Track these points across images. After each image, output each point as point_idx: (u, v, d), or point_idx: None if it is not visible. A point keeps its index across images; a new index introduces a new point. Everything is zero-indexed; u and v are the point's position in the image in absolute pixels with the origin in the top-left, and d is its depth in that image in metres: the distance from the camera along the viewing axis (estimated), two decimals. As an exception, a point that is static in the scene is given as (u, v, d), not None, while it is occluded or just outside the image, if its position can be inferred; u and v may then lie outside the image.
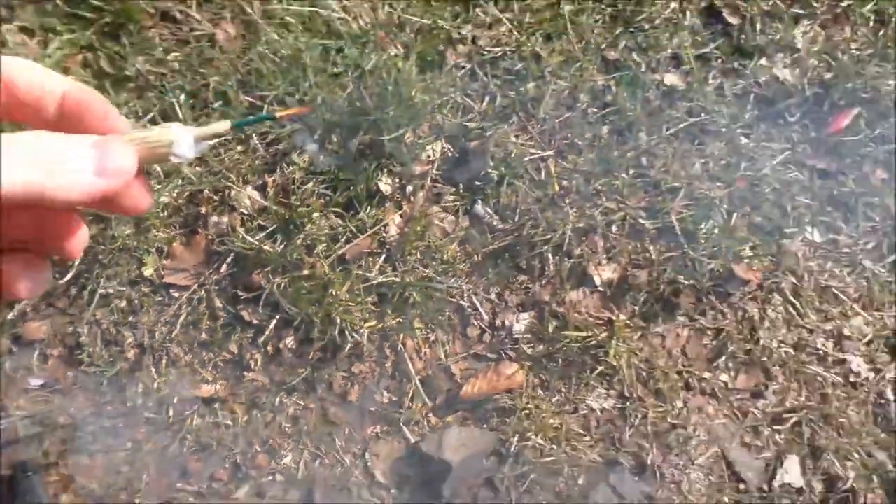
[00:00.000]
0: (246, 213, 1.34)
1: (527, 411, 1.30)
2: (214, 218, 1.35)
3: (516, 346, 1.33)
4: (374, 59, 1.36)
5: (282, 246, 1.32)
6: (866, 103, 1.37)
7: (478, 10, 1.41)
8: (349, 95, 1.35)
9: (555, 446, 1.30)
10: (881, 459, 1.29)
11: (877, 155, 1.37)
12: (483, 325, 1.35)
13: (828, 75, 1.39)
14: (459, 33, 1.41)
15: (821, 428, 1.31)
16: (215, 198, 1.36)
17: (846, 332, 1.34)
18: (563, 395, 1.32)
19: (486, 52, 1.39)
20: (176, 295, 1.36)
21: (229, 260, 1.35)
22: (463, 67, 1.39)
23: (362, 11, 1.41)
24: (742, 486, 1.29)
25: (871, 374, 1.33)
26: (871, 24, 1.41)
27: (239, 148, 1.36)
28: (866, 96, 1.37)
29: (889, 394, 1.32)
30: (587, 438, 1.31)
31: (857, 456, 1.29)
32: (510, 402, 1.31)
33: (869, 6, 1.41)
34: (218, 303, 1.35)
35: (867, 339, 1.34)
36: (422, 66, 1.39)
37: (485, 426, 1.31)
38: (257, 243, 1.32)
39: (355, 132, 1.34)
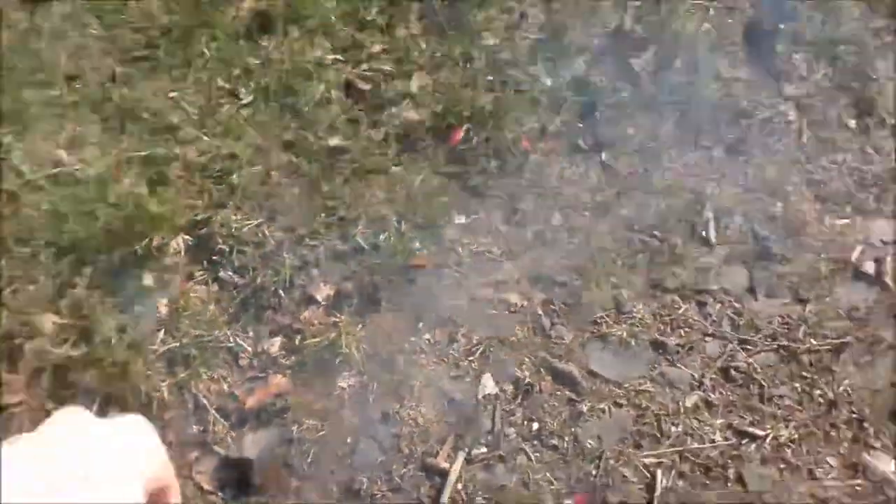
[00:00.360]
0: (49, 333, 1.78)
1: (297, 404, 1.79)
2: (28, 345, 1.78)
3: (277, 362, 1.82)
4: (114, 191, 1.83)
5: (86, 348, 1.77)
6: (470, 119, 1.94)
7: (181, 132, 1.89)
8: (104, 224, 1.81)
9: (324, 422, 1.79)
10: (543, 356, 1.85)
11: (487, 152, 1.93)
12: (249, 356, 1.83)
13: (439, 107, 1.94)
14: (174, 153, 1.89)
15: (500, 349, 1.85)
16: (24, 329, 1.80)
17: (501, 278, 1.90)
18: (319, 385, 1.82)
19: (196, 161, 1.88)
20: (16, 411, 1.78)
21: (48, 371, 1.78)
22: (182, 177, 1.88)
23: (95, 158, 1.87)
24: (458, 406, 1.82)
25: (526, 303, 1.89)
26: (461, 63, 1.98)
27: (31, 287, 1.80)
28: (468, 114, 1.93)
29: (539, 311, 1.88)
30: (345, 410, 1.81)
31: (528, 360, 1.85)
32: (284, 403, 1.79)
33: (458, 49, 1.98)
34: (49, 405, 1.78)
35: (517, 279, 1.90)
36: (152, 187, 1.86)
37: (270, 425, 1.80)
38: (65, 352, 1.76)
39: (114, 248, 1.80)
